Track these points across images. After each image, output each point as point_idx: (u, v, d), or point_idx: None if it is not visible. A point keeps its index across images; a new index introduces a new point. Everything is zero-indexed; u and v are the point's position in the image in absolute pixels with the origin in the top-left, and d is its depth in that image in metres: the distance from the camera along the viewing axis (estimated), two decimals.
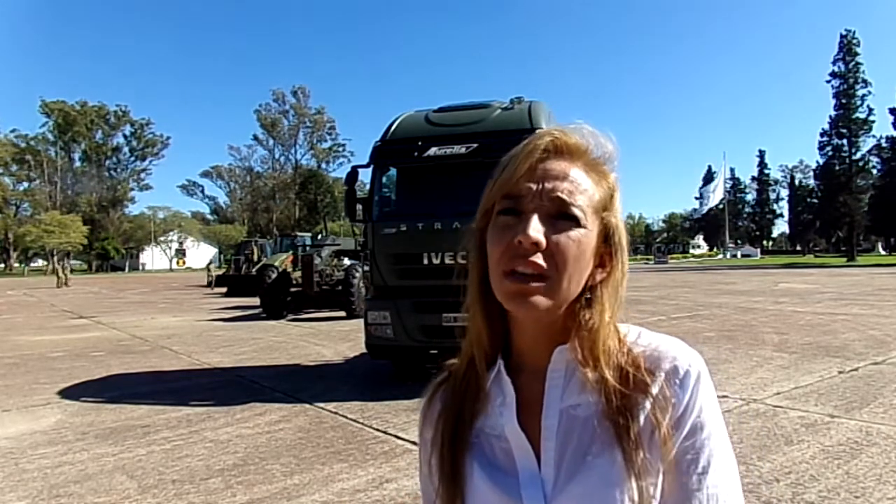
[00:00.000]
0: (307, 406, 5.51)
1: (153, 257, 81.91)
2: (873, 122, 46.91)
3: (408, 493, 3.41)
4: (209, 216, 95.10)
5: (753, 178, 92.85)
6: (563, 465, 0.66)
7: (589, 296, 0.69)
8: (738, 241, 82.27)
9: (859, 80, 46.97)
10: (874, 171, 49.25)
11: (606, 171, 0.71)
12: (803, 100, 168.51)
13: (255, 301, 15.42)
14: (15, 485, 3.73)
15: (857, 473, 3.45)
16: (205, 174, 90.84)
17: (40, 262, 76.72)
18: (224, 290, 23.94)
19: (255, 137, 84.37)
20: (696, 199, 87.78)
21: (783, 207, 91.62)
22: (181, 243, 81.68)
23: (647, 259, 58.08)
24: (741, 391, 5.45)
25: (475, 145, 5.73)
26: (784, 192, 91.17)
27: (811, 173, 69.29)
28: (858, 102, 47.02)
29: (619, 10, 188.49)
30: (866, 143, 47.84)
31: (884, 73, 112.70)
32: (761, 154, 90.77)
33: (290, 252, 20.34)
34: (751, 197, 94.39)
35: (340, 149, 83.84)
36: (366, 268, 6.45)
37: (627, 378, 0.66)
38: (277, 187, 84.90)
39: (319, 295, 13.90)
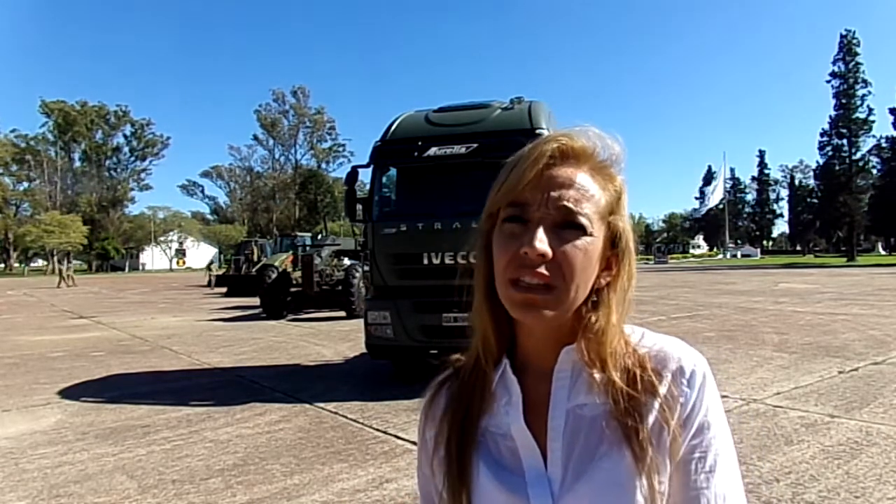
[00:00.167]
0: (307, 406, 5.51)
1: (153, 257, 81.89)
2: (873, 122, 47.00)
3: (408, 493, 3.41)
4: (209, 216, 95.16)
5: (753, 178, 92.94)
6: (570, 464, 0.66)
7: (595, 298, 0.69)
8: (738, 241, 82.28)
9: (859, 80, 46.99)
10: (874, 171, 49.27)
11: (613, 174, 0.71)
12: (803, 100, 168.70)
13: (255, 301, 15.42)
14: (15, 485, 3.73)
15: (857, 473, 3.45)
16: (205, 174, 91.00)
17: (40, 262, 76.71)
18: (224, 290, 23.96)
19: (255, 137, 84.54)
20: (696, 199, 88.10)
21: (783, 207, 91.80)
22: (181, 243, 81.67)
23: (647, 259, 58.05)
24: (741, 391, 5.45)
25: (475, 145, 5.73)
26: (784, 192, 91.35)
27: (811, 173, 69.36)
28: (858, 102, 47.04)
29: (619, 9, 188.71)
30: (866, 143, 47.95)
31: (884, 73, 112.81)
32: (761, 154, 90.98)
33: (290, 252, 20.34)
34: (751, 197, 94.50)
35: (340, 149, 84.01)
36: (366, 268, 6.45)
37: (635, 379, 0.66)
38: (277, 187, 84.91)
39: (319, 295, 13.90)
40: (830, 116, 48.22)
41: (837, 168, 48.09)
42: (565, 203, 0.65)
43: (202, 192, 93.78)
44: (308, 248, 17.45)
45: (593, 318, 0.68)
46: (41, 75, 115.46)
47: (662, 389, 0.66)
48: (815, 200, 60.36)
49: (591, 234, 0.66)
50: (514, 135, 5.37)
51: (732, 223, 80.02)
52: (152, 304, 19.46)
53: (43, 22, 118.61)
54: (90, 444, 4.53)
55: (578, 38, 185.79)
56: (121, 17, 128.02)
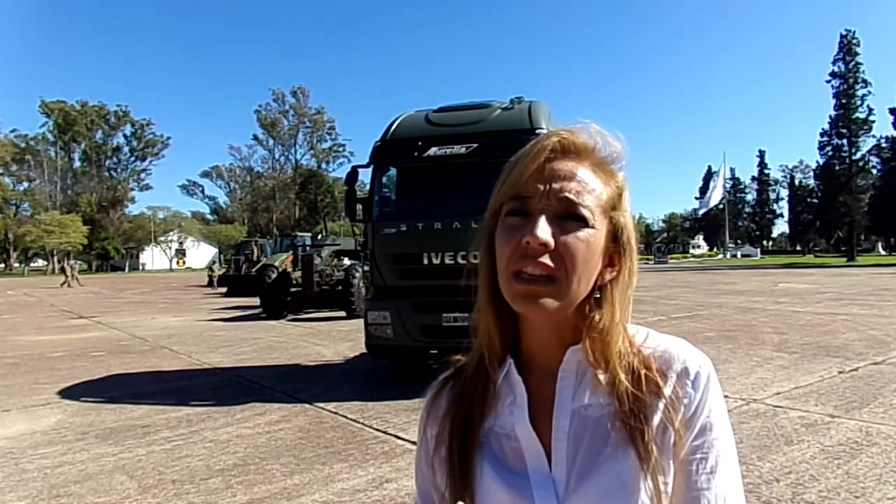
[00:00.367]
0: (307, 406, 5.51)
1: (153, 257, 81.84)
2: (873, 122, 47.01)
3: (408, 493, 3.41)
4: (209, 216, 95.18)
5: (753, 178, 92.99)
6: (575, 465, 0.66)
7: (598, 295, 0.69)
8: (738, 241, 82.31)
9: (859, 80, 47.00)
10: (874, 171, 49.31)
11: (614, 171, 0.71)
12: (803, 100, 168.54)
13: (255, 301, 15.41)
14: (15, 485, 3.73)
15: (857, 473, 3.45)
16: (205, 174, 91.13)
17: (40, 262, 76.70)
18: (224, 289, 23.97)
19: (255, 137, 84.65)
20: (696, 199, 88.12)
21: (783, 207, 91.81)
22: (181, 243, 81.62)
23: (648, 259, 58.03)
24: (741, 391, 5.45)
25: (475, 145, 5.73)
26: (784, 192, 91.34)
27: (811, 173, 69.47)
28: (858, 102, 47.06)
29: (619, 9, 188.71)
30: (866, 143, 47.97)
31: (884, 73, 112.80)
32: (761, 154, 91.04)
33: (290, 252, 20.35)
34: (751, 197, 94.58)
35: (340, 149, 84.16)
36: (366, 268, 6.45)
37: (640, 380, 0.66)
38: (277, 187, 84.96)
39: (319, 295, 13.90)
40: (830, 116, 48.26)
41: (837, 168, 48.11)
42: (567, 195, 0.66)
43: (202, 192, 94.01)
44: (308, 248, 17.46)
45: (597, 316, 0.68)
46: (41, 75, 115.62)
47: (667, 390, 0.66)
48: (815, 200, 60.34)
49: (593, 227, 0.66)
50: (514, 135, 5.37)
51: (732, 223, 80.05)
52: (152, 304, 19.47)
53: (43, 22, 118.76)
54: (90, 444, 4.53)
55: (579, 37, 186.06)
56: (121, 16, 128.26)
